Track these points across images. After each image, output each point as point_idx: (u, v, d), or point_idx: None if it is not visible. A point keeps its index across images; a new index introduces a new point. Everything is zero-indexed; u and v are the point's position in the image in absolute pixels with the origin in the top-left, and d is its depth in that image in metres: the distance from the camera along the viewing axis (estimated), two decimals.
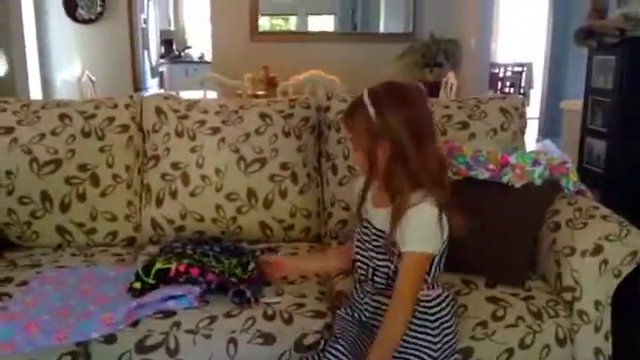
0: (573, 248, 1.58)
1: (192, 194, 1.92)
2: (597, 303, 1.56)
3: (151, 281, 1.51)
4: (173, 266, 1.52)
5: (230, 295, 1.49)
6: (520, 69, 8.28)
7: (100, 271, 1.70)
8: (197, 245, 1.73)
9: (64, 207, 1.90)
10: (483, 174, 1.75)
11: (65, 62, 5.60)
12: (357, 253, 1.43)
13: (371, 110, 1.30)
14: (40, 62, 5.49)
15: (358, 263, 1.43)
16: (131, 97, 2.08)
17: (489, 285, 1.62)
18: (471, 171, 1.77)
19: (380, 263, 1.37)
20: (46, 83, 5.54)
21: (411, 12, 5.82)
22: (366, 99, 1.32)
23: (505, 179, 1.73)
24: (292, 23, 6.35)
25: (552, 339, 1.50)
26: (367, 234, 1.40)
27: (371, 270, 1.39)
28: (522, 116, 2.13)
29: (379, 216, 1.36)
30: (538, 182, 1.74)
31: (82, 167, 1.93)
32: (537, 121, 7.16)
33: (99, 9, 5.59)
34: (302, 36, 5.85)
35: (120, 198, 1.95)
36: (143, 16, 6.46)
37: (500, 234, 1.66)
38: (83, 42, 5.63)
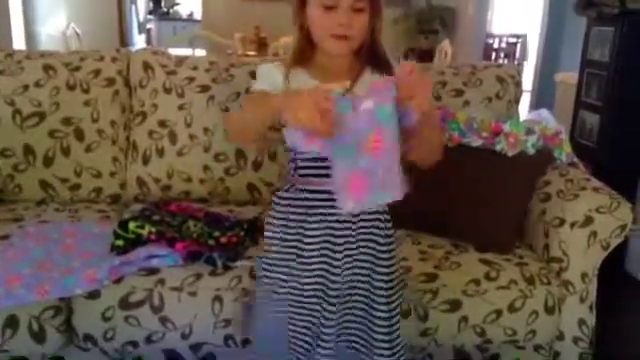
0: (562, 219, 1.58)
1: (179, 153, 1.87)
2: (584, 275, 1.56)
3: (131, 235, 1.48)
4: (145, 232, 1.50)
5: (201, 262, 1.47)
6: (515, 40, 8.20)
7: (84, 227, 1.67)
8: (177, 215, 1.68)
9: (48, 161, 1.85)
10: (476, 141, 1.73)
11: (50, 15, 5.43)
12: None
13: None
14: (24, 14, 5.31)
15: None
16: (118, 50, 2.01)
17: (479, 250, 1.62)
18: (464, 138, 1.75)
19: None
20: (30, 37, 5.37)
21: None
22: None
23: (498, 147, 1.71)
24: None
25: (541, 306, 1.51)
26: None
27: None
28: (518, 85, 2.10)
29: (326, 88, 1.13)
30: (531, 152, 1.72)
31: (66, 121, 1.87)
32: (529, 94, 7.13)
33: None
34: None
35: (105, 154, 1.90)
36: None
37: (490, 202, 1.65)
38: None
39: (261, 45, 4.06)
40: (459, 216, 1.66)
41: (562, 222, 1.58)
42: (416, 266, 1.53)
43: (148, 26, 7.73)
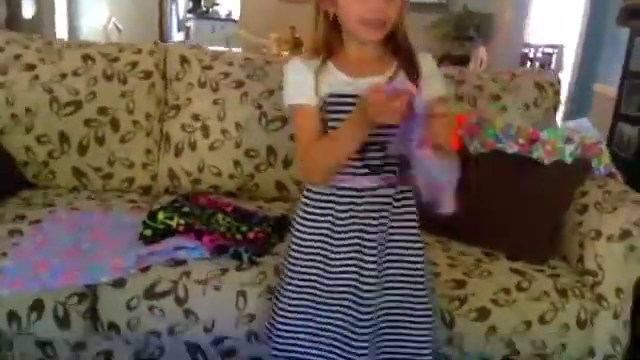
0: (599, 232, 1.53)
1: (211, 147, 1.88)
2: (618, 290, 1.51)
3: (160, 225, 1.49)
4: (174, 223, 1.50)
5: (228, 256, 1.46)
6: (551, 50, 8.05)
7: (115, 216, 1.68)
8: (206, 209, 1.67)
9: (82, 149, 1.88)
10: (512, 148, 1.69)
11: (92, 9, 5.55)
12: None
13: None
14: (68, 7, 5.44)
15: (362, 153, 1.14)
16: (155, 43, 2.03)
17: (510, 259, 1.58)
18: (499, 144, 1.71)
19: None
20: (72, 29, 5.50)
21: None
22: None
23: (535, 155, 1.67)
24: None
25: (573, 319, 1.46)
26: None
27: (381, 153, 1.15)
28: (557, 93, 2.05)
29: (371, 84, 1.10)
30: (569, 160, 1.67)
31: (102, 110, 1.89)
32: (563, 105, 6.98)
33: None
34: None
35: (139, 145, 1.92)
36: None
37: (524, 210, 1.61)
38: None
39: (296, 45, 4.07)
40: (491, 223, 1.62)
41: (598, 235, 1.52)
42: (445, 272, 1.50)
43: (187, 24, 7.83)
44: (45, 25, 4.95)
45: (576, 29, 6.89)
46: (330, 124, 1.16)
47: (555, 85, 2.05)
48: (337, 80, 1.15)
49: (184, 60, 1.97)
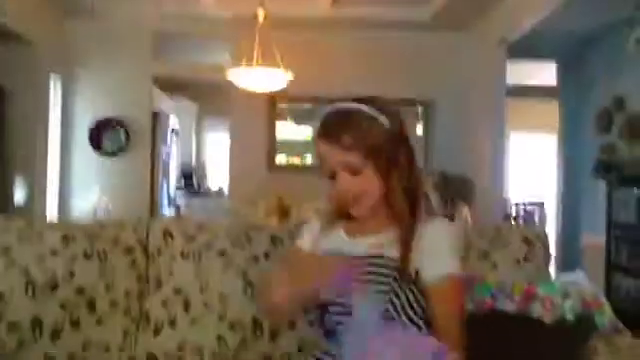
0: None
1: (192, 322, 1.78)
2: None
3: None
4: None
5: None
6: (532, 208, 8.29)
7: None
8: None
9: (55, 335, 1.76)
10: (509, 305, 1.60)
11: (85, 191, 5.67)
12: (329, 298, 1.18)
13: (383, 118, 1.17)
14: (60, 190, 5.59)
15: (334, 308, 1.18)
16: (139, 219, 2.03)
17: None
18: (497, 302, 1.63)
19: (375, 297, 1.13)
20: (63, 210, 5.59)
21: (422, 150, 5.96)
22: (369, 109, 1.16)
23: (534, 313, 1.58)
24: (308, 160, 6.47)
25: None
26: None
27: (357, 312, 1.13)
28: (546, 247, 2.02)
29: (364, 245, 1.19)
30: (570, 318, 1.58)
31: (80, 291, 1.81)
32: (553, 259, 6.98)
33: (123, 143, 5.73)
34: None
35: (116, 326, 1.81)
36: (165, 148, 6.69)
37: None
38: (105, 172, 5.71)
39: (283, 213, 4.14)
40: None
41: None
42: None
43: (178, 202, 8.01)
44: (38, 207, 5.03)
45: (553, 185, 7.19)
46: None
47: (542, 237, 2.03)
48: (337, 238, 1.25)
49: (167, 233, 1.94)
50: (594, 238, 3.32)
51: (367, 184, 1.17)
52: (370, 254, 1.17)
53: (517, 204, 8.31)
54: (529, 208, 8.34)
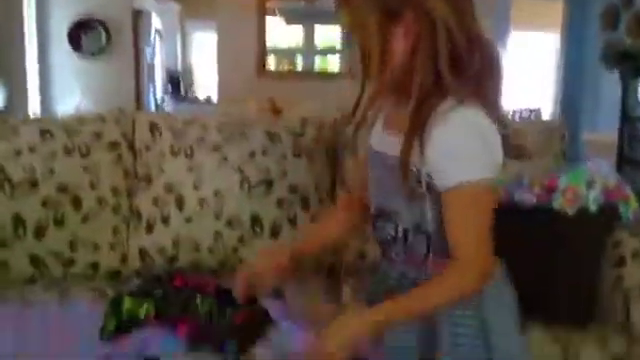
0: None
1: (187, 220, 1.66)
2: None
3: (125, 316, 1.23)
4: (142, 311, 1.24)
5: (209, 350, 1.19)
6: (528, 114, 8.15)
7: (73, 309, 1.42)
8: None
9: (39, 233, 1.64)
10: (530, 200, 1.49)
11: (67, 95, 5.44)
12: (376, 203, 0.98)
13: None
14: (41, 93, 5.35)
15: (379, 220, 0.98)
16: (121, 111, 1.85)
17: (546, 327, 1.34)
18: (515, 196, 1.51)
19: (412, 212, 0.91)
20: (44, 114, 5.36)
21: None
22: None
23: (556, 205, 1.47)
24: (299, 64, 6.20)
25: None
26: (382, 169, 0.95)
27: (400, 227, 0.94)
28: (562, 138, 1.89)
29: (395, 144, 0.89)
30: (593, 208, 1.48)
31: (62, 188, 1.67)
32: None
33: (104, 43, 5.42)
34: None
35: (105, 224, 1.68)
36: (149, 50, 6.36)
37: (554, 271, 1.39)
38: (86, 74, 5.45)
39: (275, 112, 3.96)
40: (518, 290, 1.39)
41: None
42: None
43: (166, 108, 7.75)
44: (20, 113, 4.81)
45: (551, 90, 7.01)
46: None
47: (559, 129, 1.90)
48: (376, 129, 0.99)
49: (154, 127, 1.78)
50: (599, 135, 3.19)
51: (372, 48, 0.87)
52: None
53: (514, 111, 8.15)
54: (524, 114, 8.19)
